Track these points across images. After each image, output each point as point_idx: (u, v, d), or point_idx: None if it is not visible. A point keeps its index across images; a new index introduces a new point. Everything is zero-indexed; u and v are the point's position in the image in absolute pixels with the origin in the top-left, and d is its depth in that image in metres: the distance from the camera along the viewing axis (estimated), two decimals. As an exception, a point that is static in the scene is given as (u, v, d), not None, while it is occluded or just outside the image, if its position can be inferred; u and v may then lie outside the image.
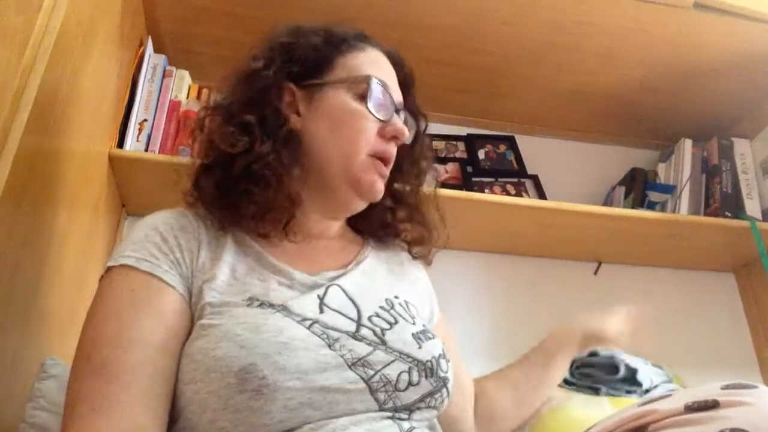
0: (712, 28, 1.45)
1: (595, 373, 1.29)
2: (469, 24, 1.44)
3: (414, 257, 0.93)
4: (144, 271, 0.68)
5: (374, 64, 0.84)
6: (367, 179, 0.79)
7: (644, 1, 1.38)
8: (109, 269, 0.70)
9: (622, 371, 1.26)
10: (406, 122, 0.86)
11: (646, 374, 1.27)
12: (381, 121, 0.81)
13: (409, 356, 0.70)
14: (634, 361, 1.29)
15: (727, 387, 0.55)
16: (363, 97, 0.80)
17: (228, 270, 0.72)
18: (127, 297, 0.67)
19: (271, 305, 0.69)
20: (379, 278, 0.84)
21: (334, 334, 0.68)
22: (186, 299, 0.70)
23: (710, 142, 1.70)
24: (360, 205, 0.84)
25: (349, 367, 0.66)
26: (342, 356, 0.66)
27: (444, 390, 0.73)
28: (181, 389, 0.65)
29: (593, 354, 1.31)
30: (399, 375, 0.68)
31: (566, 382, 1.31)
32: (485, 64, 1.57)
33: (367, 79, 0.80)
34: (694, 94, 1.67)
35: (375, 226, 0.91)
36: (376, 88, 0.81)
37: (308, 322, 0.68)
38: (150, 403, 0.62)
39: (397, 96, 0.85)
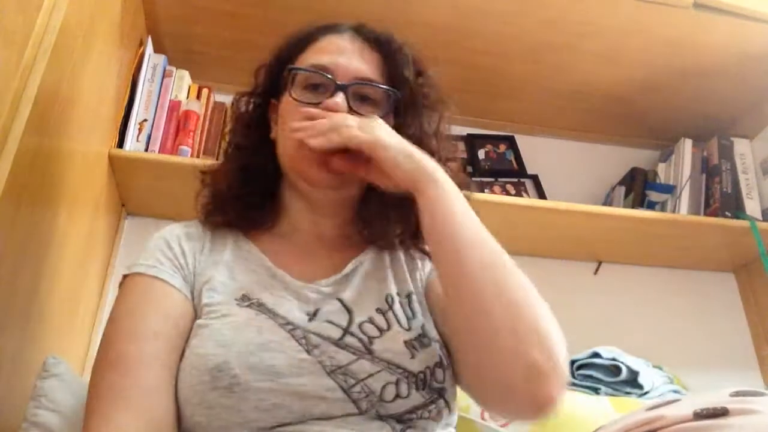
0: (712, 28, 1.45)
1: (596, 375, 1.29)
2: (468, 23, 1.45)
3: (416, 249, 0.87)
4: (151, 275, 0.73)
5: (318, 52, 0.82)
6: (307, 169, 0.77)
7: (644, 1, 1.38)
8: (124, 278, 0.76)
9: (624, 373, 1.26)
10: (370, 97, 0.80)
11: (648, 377, 1.27)
12: (315, 104, 0.78)
13: (399, 367, 0.68)
14: (635, 363, 1.29)
15: (736, 394, 0.54)
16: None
17: (226, 271, 0.76)
18: (137, 298, 0.72)
19: (260, 305, 0.71)
20: (379, 278, 0.81)
21: (315, 340, 0.68)
22: (189, 300, 0.74)
23: (710, 142, 1.70)
24: (320, 193, 0.82)
25: (327, 374, 0.65)
26: (320, 362, 0.66)
27: (440, 401, 0.69)
28: None
29: (595, 355, 1.31)
30: (384, 386, 0.66)
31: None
32: (485, 64, 1.57)
33: (288, 71, 0.81)
34: (694, 94, 1.67)
35: (375, 236, 0.86)
36: (297, 76, 0.80)
37: (290, 327, 0.69)
38: (163, 394, 0.66)
39: (347, 72, 0.79)
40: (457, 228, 0.67)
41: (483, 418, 1.12)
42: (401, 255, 0.86)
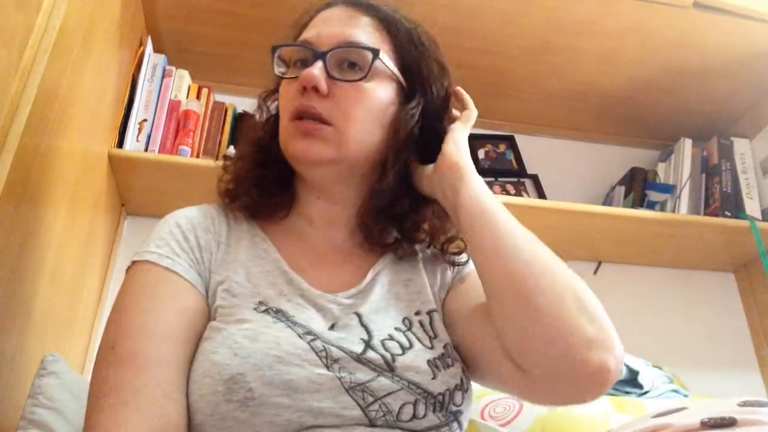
0: (712, 28, 1.45)
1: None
2: (468, 23, 1.45)
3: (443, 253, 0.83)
4: (165, 267, 0.69)
5: (308, 29, 0.80)
6: (290, 147, 0.75)
7: (644, 0, 1.38)
8: (133, 263, 0.71)
9: (624, 373, 1.26)
10: (356, 63, 0.75)
11: (648, 376, 1.27)
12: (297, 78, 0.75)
13: (419, 387, 0.66)
14: (635, 363, 1.29)
15: (744, 404, 0.53)
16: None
17: (242, 271, 0.72)
18: (150, 291, 0.68)
19: (278, 311, 0.68)
20: (398, 294, 0.78)
21: (336, 353, 0.65)
22: (204, 297, 0.70)
23: (710, 141, 1.70)
24: (309, 172, 0.78)
25: (346, 390, 0.63)
26: (339, 378, 0.63)
27: (454, 424, 0.68)
28: None
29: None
30: (402, 406, 0.64)
31: (566, 382, 1.31)
32: (485, 64, 1.57)
33: (272, 51, 0.79)
34: (694, 94, 1.67)
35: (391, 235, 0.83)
36: (284, 55, 0.79)
37: (310, 337, 0.65)
38: (176, 396, 0.62)
39: (326, 40, 0.76)
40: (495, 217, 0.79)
41: (483, 417, 1.12)
42: (421, 264, 0.83)
